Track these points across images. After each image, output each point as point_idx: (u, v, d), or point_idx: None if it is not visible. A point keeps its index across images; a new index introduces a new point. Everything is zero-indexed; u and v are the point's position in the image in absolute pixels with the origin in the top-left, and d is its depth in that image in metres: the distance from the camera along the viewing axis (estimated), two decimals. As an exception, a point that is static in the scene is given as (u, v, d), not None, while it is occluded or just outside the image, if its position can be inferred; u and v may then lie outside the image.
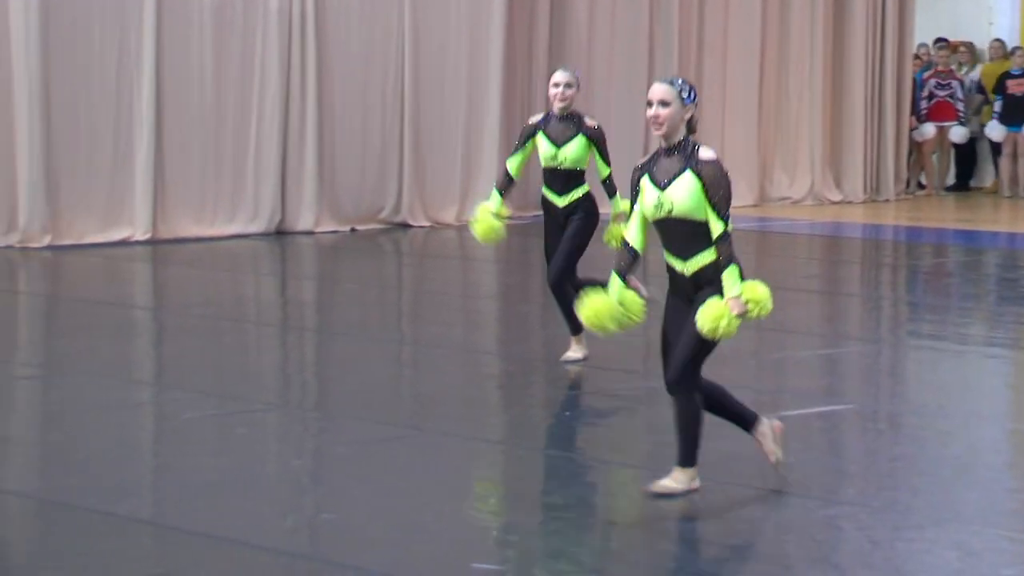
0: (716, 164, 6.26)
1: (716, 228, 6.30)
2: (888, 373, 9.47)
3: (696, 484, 6.37)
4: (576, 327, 8.65)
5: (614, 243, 8.36)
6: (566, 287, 8.67)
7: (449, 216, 15.78)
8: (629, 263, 6.45)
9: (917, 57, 20.03)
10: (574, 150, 8.70)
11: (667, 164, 6.27)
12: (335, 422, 7.60)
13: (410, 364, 9.22)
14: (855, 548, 5.89)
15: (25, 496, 6.34)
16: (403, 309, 11.51)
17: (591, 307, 6.40)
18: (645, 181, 6.32)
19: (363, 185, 15.39)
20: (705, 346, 6.32)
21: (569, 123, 8.73)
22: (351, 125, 15.27)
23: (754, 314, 6.31)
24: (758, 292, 6.35)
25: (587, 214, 8.77)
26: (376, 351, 9.47)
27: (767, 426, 6.66)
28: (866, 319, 11.48)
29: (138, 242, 13.92)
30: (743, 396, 8.39)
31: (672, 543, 6.03)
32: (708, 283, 6.33)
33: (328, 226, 15.11)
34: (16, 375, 8.72)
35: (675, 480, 6.36)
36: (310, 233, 14.89)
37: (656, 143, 6.56)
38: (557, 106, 8.73)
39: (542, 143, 8.77)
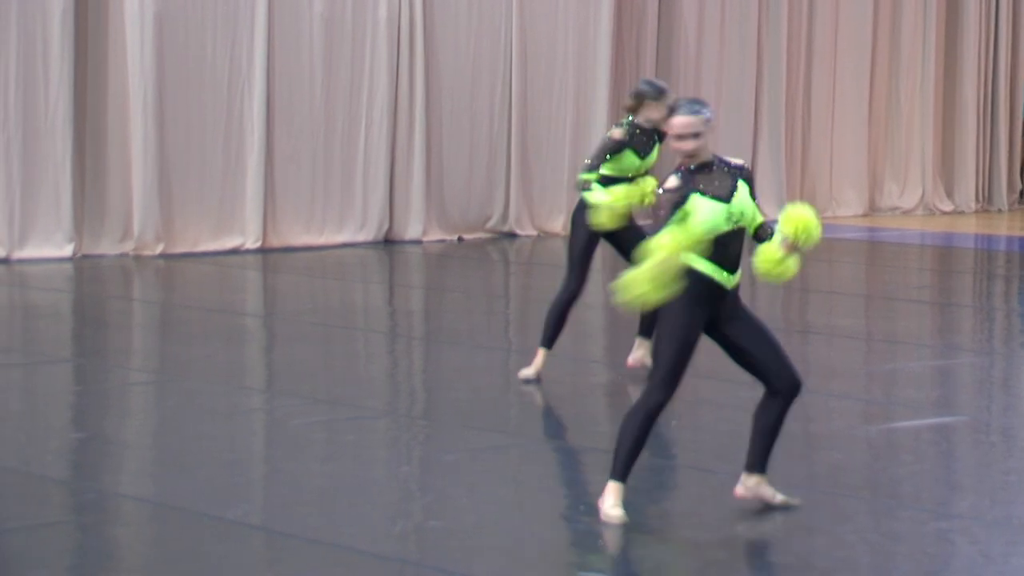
0: (742, 164, 6.34)
1: (759, 218, 6.31)
2: (1001, 385, 9.33)
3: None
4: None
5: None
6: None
7: (556, 225, 15.80)
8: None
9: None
10: (653, 158, 8.72)
11: (715, 179, 6.18)
12: (443, 430, 7.64)
13: (517, 373, 9.24)
14: (967, 563, 5.81)
15: (140, 500, 6.44)
16: (510, 318, 11.53)
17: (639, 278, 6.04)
18: (698, 199, 6.10)
19: (470, 194, 15.46)
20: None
21: (648, 135, 8.68)
22: (459, 134, 15.34)
23: (803, 242, 6.20)
24: (799, 219, 6.20)
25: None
26: (483, 360, 9.50)
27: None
28: (978, 330, 11.32)
29: (249, 250, 14.08)
30: (854, 407, 8.32)
31: (780, 555, 5.99)
32: (737, 292, 6.24)
33: (436, 235, 15.19)
34: (131, 381, 8.86)
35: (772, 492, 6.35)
36: (418, 242, 14.98)
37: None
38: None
39: (631, 155, 8.70)
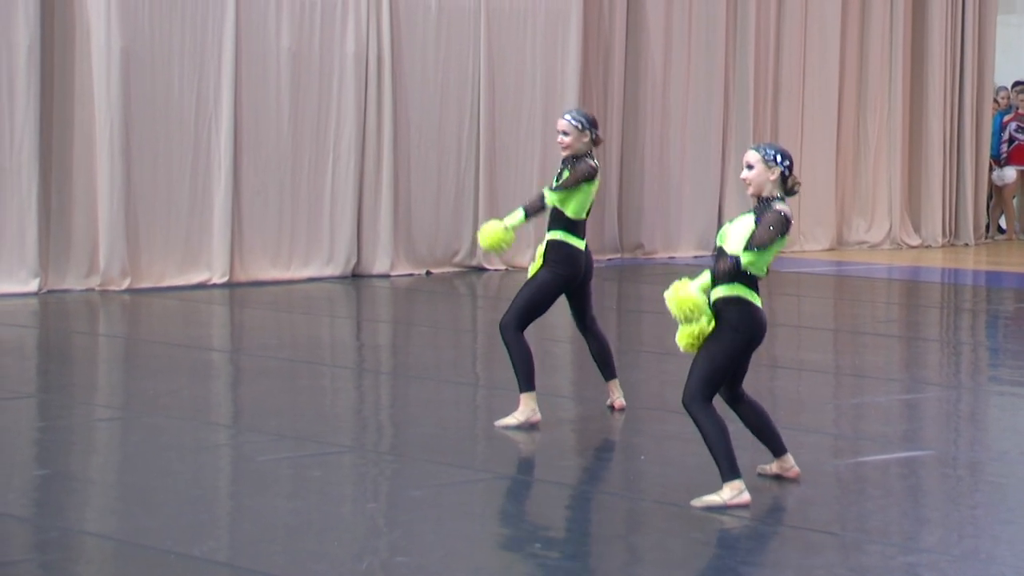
0: (779, 212, 6.86)
1: (735, 248, 6.85)
2: (968, 419, 9.35)
3: (744, 498, 6.79)
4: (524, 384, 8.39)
5: (483, 242, 8.35)
6: (511, 336, 8.32)
7: (524, 259, 15.80)
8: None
9: (996, 101, 19.87)
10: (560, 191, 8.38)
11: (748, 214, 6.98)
12: (410, 465, 7.60)
13: (485, 407, 9.21)
14: (936, 596, 5.80)
15: (104, 537, 6.39)
16: (478, 352, 11.51)
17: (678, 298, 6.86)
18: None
19: (438, 228, 15.45)
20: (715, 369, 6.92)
21: (568, 164, 8.40)
22: (426, 168, 15.35)
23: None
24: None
25: (556, 262, 8.34)
26: (451, 394, 9.48)
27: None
28: (945, 364, 11.35)
29: (216, 285, 14.03)
30: (822, 441, 8.33)
31: (749, 590, 5.97)
32: (719, 313, 6.94)
33: (403, 269, 15.17)
34: (96, 417, 8.80)
35: (719, 494, 6.83)
36: (386, 276, 14.96)
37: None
38: (563, 154, 8.48)
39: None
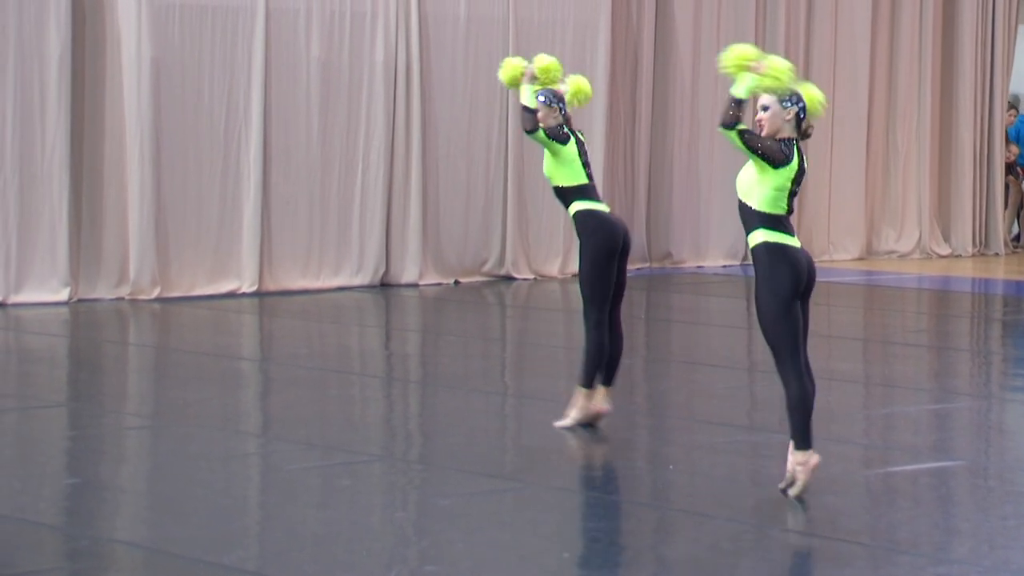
0: (778, 141, 6.93)
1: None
2: (998, 429, 9.31)
3: (815, 460, 6.98)
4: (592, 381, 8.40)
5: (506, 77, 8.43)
6: (590, 333, 8.34)
7: (553, 268, 15.80)
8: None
9: (1012, 107, 19.75)
10: (545, 164, 8.45)
11: None
12: (439, 474, 7.61)
13: (513, 416, 9.21)
14: (967, 608, 5.78)
15: (134, 546, 6.41)
16: (507, 361, 11.51)
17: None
18: None
19: (467, 238, 15.46)
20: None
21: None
22: (455, 178, 15.36)
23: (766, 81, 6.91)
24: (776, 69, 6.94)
25: (585, 234, 8.34)
26: (480, 403, 9.48)
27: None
28: (976, 375, 11.30)
29: (245, 294, 14.07)
30: (852, 451, 8.29)
31: (779, 600, 5.95)
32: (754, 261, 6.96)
33: (432, 278, 15.19)
34: (126, 426, 8.83)
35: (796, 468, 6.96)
36: (414, 285, 14.97)
37: None
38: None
39: None
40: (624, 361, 11.47)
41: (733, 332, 12.57)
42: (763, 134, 6.98)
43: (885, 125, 18.50)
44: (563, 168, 8.43)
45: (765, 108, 6.99)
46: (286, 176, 14.42)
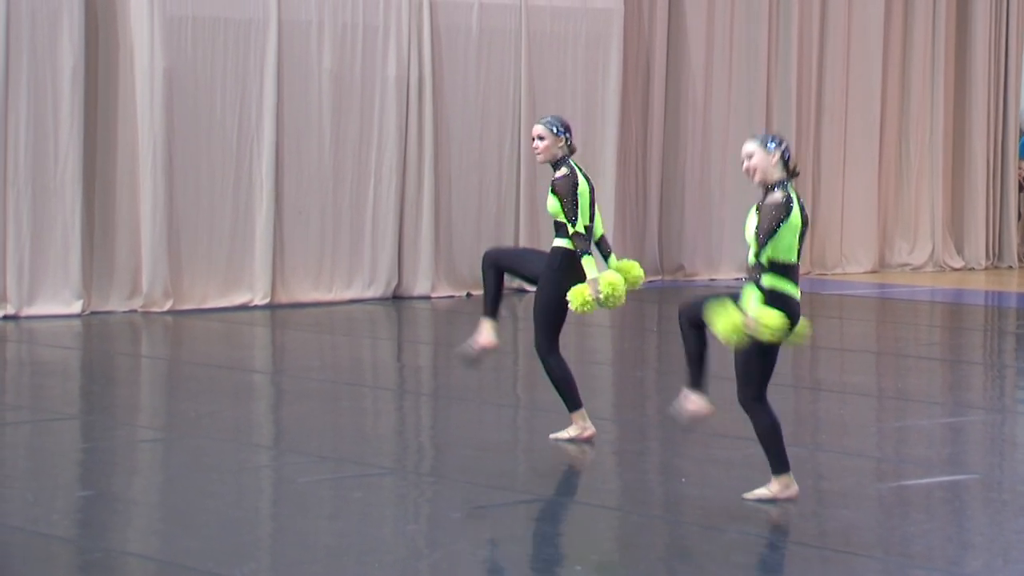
0: (770, 204, 7.03)
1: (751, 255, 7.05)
2: (1012, 443, 9.28)
3: (793, 490, 7.12)
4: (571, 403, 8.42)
5: (577, 306, 8.10)
6: (543, 359, 8.32)
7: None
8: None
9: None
10: (549, 201, 8.37)
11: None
12: (450, 487, 7.60)
13: (525, 429, 9.20)
14: (981, 622, 5.75)
15: (146, 558, 6.41)
16: (518, 374, 11.50)
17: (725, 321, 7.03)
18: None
19: (479, 250, 15.42)
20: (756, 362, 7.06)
21: (554, 171, 8.39)
22: (467, 191, 15.37)
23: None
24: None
25: (550, 270, 8.31)
26: (491, 416, 9.47)
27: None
28: (989, 388, 11.27)
29: (257, 306, 14.08)
30: (865, 465, 8.27)
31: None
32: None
33: (444, 291, 15.19)
34: (138, 438, 8.83)
35: (768, 488, 7.12)
36: (426, 298, 14.97)
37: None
38: (538, 159, 8.46)
39: None
40: (636, 373, 11.48)
41: (745, 345, 12.53)
42: (755, 180, 7.11)
43: (898, 137, 18.49)
44: (583, 212, 8.38)
45: (750, 156, 7.11)
46: (298, 188, 14.43)
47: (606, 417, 9.67)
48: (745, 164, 7.16)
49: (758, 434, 7.18)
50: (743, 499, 7.14)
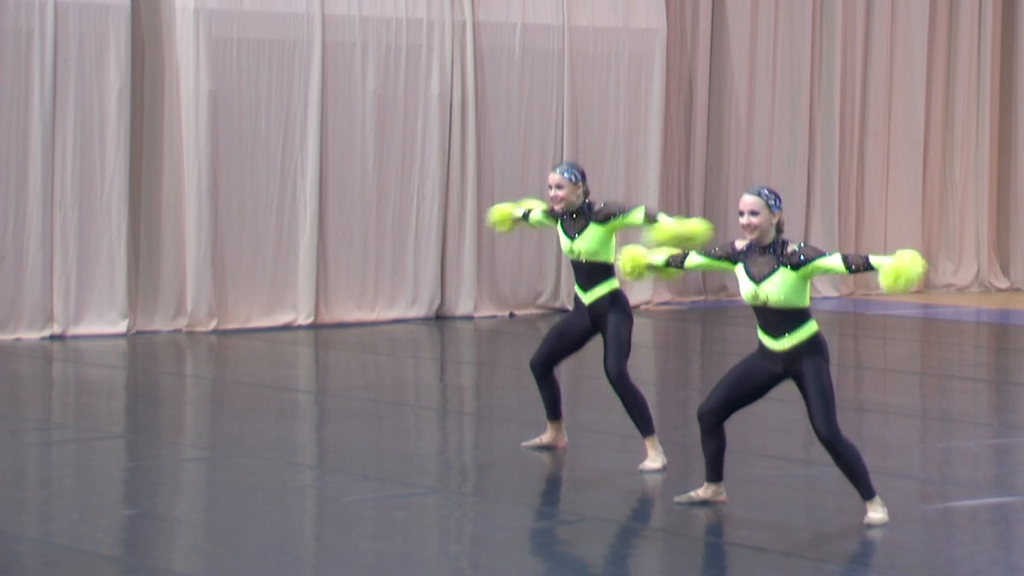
0: (796, 250, 7.17)
1: (835, 264, 7.10)
2: (1059, 464, 9.20)
3: (883, 510, 7.20)
4: (555, 414, 8.66)
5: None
6: (620, 383, 8.41)
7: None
8: (678, 260, 7.53)
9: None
10: (588, 241, 8.42)
11: (762, 261, 7.19)
12: (493, 507, 7.60)
13: (569, 450, 9.18)
14: (1028, 645, 5.71)
15: (190, 576, 6.43)
16: (561, 394, 11.48)
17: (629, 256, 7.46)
18: (741, 270, 7.25)
19: (522, 270, 15.48)
20: (832, 399, 7.19)
21: (580, 216, 8.47)
22: (510, 211, 15.37)
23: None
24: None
25: (618, 311, 8.45)
26: (534, 436, 9.46)
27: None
28: (1035, 408, 11.18)
29: (301, 326, 14.13)
30: (909, 486, 8.23)
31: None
32: (801, 355, 7.15)
33: (487, 311, 15.21)
34: (183, 457, 8.87)
35: (875, 512, 7.16)
36: (469, 318, 14.99)
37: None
38: (555, 208, 8.53)
39: (561, 235, 8.58)
40: (679, 394, 11.45)
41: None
42: (752, 238, 7.17)
43: (942, 157, 18.40)
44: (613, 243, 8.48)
45: (755, 213, 7.15)
46: (342, 209, 14.48)
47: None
48: (747, 219, 7.15)
49: (848, 464, 7.15)
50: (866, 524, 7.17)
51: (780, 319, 7.13)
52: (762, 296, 7.14)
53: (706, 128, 16.78)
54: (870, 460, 8.19)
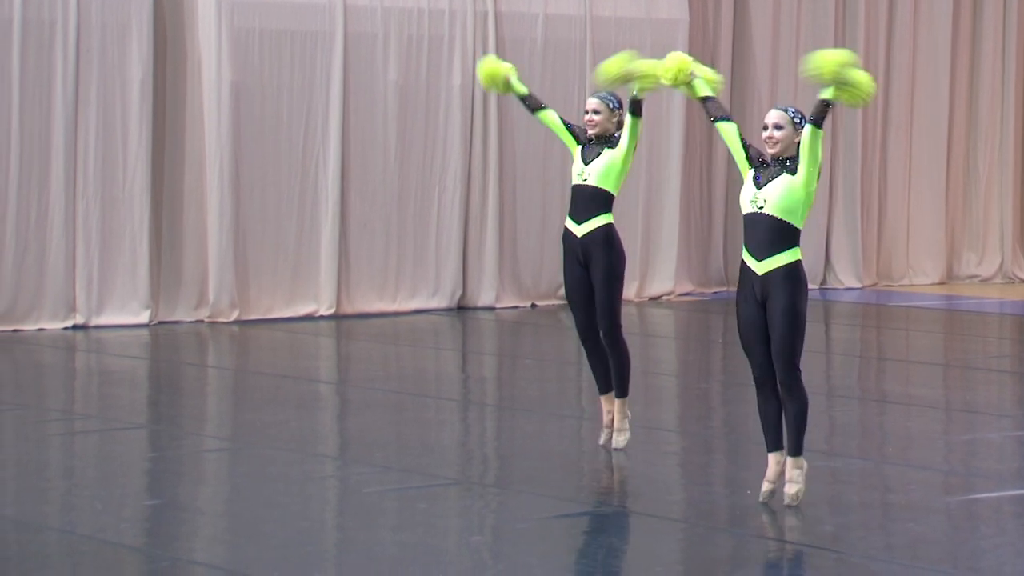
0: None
1: (807, 133, 7.08)
2: (1083, 456, 9.16)
3: (806, 467, 7.23)
4: (608, 387, 8.46)
5: (673, 68, 7.87)
6: (613, 342, 8.30)
7: (629, 292, 15.76)
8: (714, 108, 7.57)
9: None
10: (603, 165, 8.42)
11: (772, 170, 7.23)
12: (515, 498, 7.60)
13: (590, 440, 9.17)
14: (1052, 638, 5.69)
15: (213, 567, 6.44)
16: (583, 385, 11.49)
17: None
18: (749, 176, 7.26)
19: (543, 261, 15.47)
20: (799, 338, 7.12)
21: (603, 143, 8.47)
22: (532, 201, 15.37)
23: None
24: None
25: (609, 250, 8.39)
26: (556, 427, 9.46)
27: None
28: (1059, 400, 11.14)
29: (322, 317, 14.15)
30: (933, 478, 8.20)
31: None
32: (776, 285, 7.12)
33: (509, 302, 15.20)
34: (205, 448, 8.89)
35: (794, 479, 7.19)
36: (491, 309, 14.99)
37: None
38: (588, 132, 8.51)
39: (576, 159, 8.55)
40: (701, 385, 11.44)
41: (812, 356, 12.47)
42: (773, 152, 7.16)
43: (966, 147, 18.32)
44: (624, 175, 8.48)
45: (779, 127, 7.16)
46: (363, 199, 14.49)
47: (671, 428, 9.64)
48: (770, 132, 7.16)
49: (797, 414, 7.13)
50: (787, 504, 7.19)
51: (769, 235, 7.11)
52: (760, 200, 7.15)
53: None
54: (893, 452, 8.17)
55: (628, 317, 14.88)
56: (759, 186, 7.23)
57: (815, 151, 7.10)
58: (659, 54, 16.49)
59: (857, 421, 9.81)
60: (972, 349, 13.46)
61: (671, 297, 15.91)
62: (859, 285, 17.26)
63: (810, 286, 16.73)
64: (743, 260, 7.30)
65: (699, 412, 10.34)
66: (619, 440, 8.50)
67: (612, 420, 8.58)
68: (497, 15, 15.02)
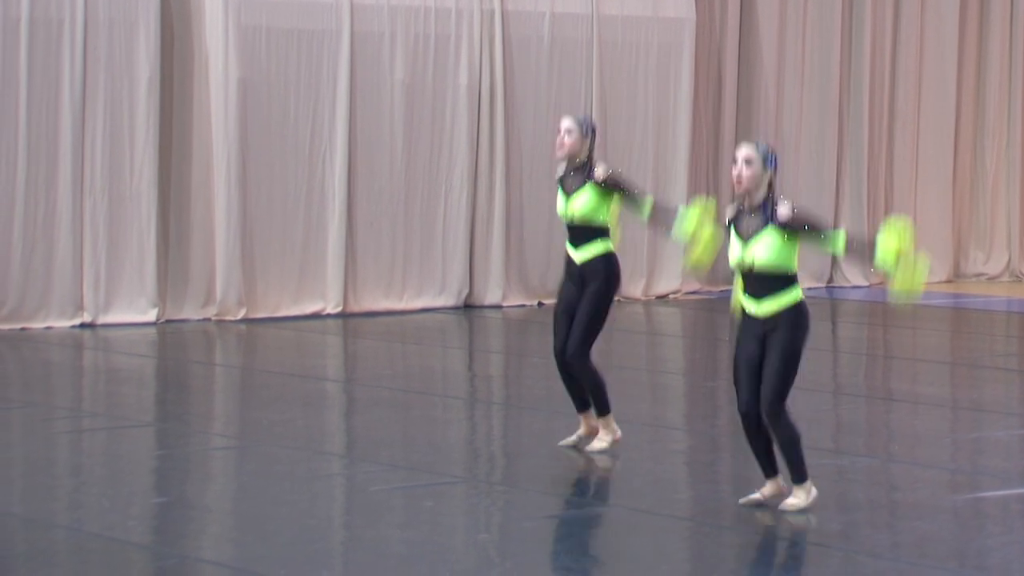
0: (791, 212, 6.96)
1: (837, 244, 6.95)
2: (1090, 455, 9.16)
3: (814, 493, 7.08)
4: (584, 405, 8.40)
5: (694, 221, 7.81)
6: (580, 364, 8.24)
7: (635, 291, 15.77)
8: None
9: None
10: (584, 202, 8.26)
11: (750, 222, 7.03)
12: (522, 496, 7.60)
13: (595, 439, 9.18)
14: (1058, 636, 5.69)
15: (220, 565, 6.46)
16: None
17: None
18: (732, 235, 7.13)
19: (550, 259, 15.46)
20: (791, 376, 6.97)
21: (580, 173, 8.29)
22: (538, 200, 15.37)
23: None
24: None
25: (606, 280, 8.29)
26: (563, 425, 9.46)
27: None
28: (1066, 398, 11.13)
29: (330, 315, 14.16)
30: (939, 476, 8.19)
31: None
32: (778, 327, 6.97)
33: (516, 300, 15.20)
34: (212, 446, 8.91)
35: (796, 498, 7.08)
36: (498, 307, 14.99)
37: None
38: (557, 154, 8.32)
39: (558, 193, 8.39)
40: (708, 384, 11.44)
41: (819, 355, 12.47)
42: (740, 190, 6.98)
43: (972, 145, 18.30)
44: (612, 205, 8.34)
45: (749, 162, 6.94)
46: (370, 198, 14.50)
47: (677, 427, 9.65)
48: (739, 169, 6.90)
49: (785, 444, 7.04)
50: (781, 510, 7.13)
51: (765, 283, 6.95)
52: (748, 260, 6.95)
53: (735, 117, 16.73)
54: (899, 450, 8.17)
55: (635, 316, 14.91)
56: (744, 240, 7.01)
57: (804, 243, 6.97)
58: (665, 53, 16.57)
59: (864, 419, 9.81)
60: (979, 347, 13.45)
61: (678, 295, 15.91)
62: (866, 283, 17.25)
63: (817, 284, 16.86)
64: (740, 302, 7.16)
65: (706, 410, 10.34)
66: (596, 444, 8.46)
67: (591, 432, 8.53)
68: (504, 13, 15.02)
